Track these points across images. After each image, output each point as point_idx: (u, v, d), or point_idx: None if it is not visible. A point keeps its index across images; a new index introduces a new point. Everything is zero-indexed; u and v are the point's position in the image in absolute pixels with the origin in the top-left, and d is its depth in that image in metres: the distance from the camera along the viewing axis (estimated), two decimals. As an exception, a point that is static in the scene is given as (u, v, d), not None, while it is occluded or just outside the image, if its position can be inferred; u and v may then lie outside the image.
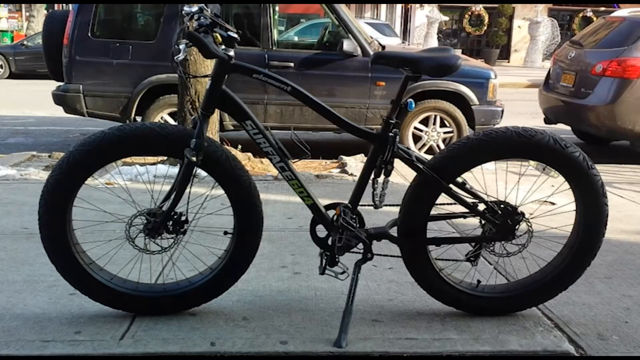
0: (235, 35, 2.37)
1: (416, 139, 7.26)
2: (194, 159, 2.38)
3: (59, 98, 7.15)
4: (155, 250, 2.59)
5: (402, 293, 2.97)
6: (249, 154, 6.28)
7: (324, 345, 2.45)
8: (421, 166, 2.52)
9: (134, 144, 2.43)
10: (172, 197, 2.48)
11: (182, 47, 2.33)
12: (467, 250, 2.73)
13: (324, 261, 2.64)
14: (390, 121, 2.50)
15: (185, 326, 2.59)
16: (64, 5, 27.48)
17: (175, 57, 2.32)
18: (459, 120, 7.12)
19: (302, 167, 6.55)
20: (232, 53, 2.40)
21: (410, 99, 2.50)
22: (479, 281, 2.75)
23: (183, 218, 2.54)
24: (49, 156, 6.78)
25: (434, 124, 7.20)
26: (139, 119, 7.15)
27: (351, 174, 5.92)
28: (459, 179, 2.61)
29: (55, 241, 2.50)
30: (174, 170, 5.83)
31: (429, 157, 2.61)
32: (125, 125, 2.44)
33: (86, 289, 2.61)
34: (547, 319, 2.75)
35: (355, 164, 6.39)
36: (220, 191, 2.60)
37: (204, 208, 2.75)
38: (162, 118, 6.96)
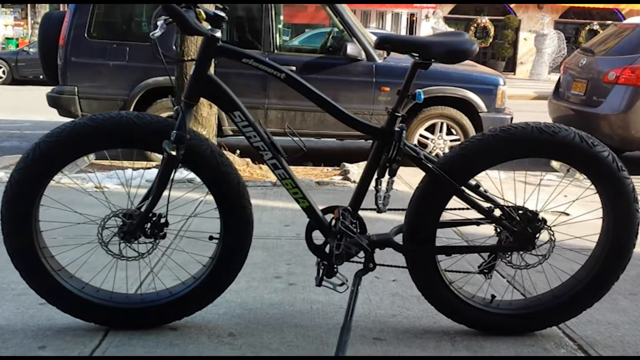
0: (223, 15, 2.10)
1: (422, 146, 6.98)
2: (174, 152, 2.11)
3: (54, 100, 6.91)
4: (131, 256, 2.32)
5: (407, 308, 2.68)
6: (248, 160, 6.02)
7: (318, 367, 2.17)
8: (430, 165, 2.24)
9: (108, 135, 2.16)
10: (151, 196, 2.21)
11: (159, 22, 2.06)
12: (478, 261, 2.45)
13: (321, 271, 2.35)
14: (396, 114, 2.23)
15: (163, 342, 2.31)
16: (68, 5, 27.32)
17: (151, 34, 2.05)
18: (466, 128, 6.85)
19: (303, 173, 6.28)
20: (218, 34, 2.14)
21: (419, 90, 2.23)
22: (493, 296, 2.47)
23: (162, 220, 2.26)
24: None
25: (440, 131, 6.93)
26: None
27: (354, 181, 5.65)
28: (473, 181, 2.34)
29: (19, 243, 2.23)
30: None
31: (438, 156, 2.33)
32: (99, 114, 2.17)
33: (54, 298, 2.33)
34: (569, 339, 2.46)
35: (358, 171, 6.11)
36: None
37: (189, 211, 2.47)
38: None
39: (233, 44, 7.20)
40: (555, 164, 2.30)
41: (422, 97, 2.21)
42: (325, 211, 2.36)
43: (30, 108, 11.58)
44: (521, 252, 2.35)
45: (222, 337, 2.37)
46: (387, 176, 2.26)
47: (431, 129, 6.94)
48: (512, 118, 6.95)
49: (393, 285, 2.92)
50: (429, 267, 2.36)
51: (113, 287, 2.45)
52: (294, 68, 6.68)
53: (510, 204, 2.32)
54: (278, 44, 7.02)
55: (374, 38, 8.15)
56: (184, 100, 2.16)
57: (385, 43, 2.21)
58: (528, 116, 10.87)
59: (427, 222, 2.30)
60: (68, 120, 6.83)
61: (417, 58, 2.19)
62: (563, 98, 7.79)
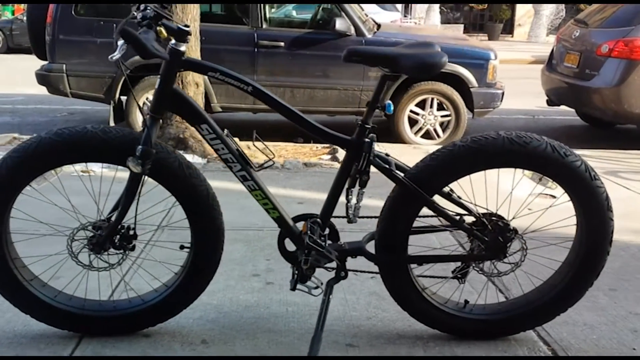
0: (187, 29, 2.05)
1: (412, 122, 6.94)
2: (138, 169, 2.08)
3: (42, 78, 6.86)
4: (101, 267, 2.31)
5: (383, 309, 2.69)
6: (249, 143, 5.96)
7: (288, 378, 2.18)
8: (401, 176, 2.22)
9: (73, 150, 2.13)
10: (119, 209, 2.20)
11: (120, 43, 2.02)
12: (454, 265, 2.45)
13: (295, 275, 2.36)
14: (366, 126, 2.20)
15: (135, 350, 2.32)
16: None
17: (109, 57, 2.01)
18: (457, 104, 6.79)
19: (292, 152, 6.25)
20: (183, 48, 2.09)
21: (389, 101, 2.19)
22: (466, 301, 2.47)
23: (131, 232, 2.25)
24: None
25: (431, 107, 6.87)
26: (123, 99, 6.86)
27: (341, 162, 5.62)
28: (445, 189, 2.33)
29: (-10, 256, 2.23)
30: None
31: (412, 163, 2.30)
32: (65, 129, 2.15)
33: (27, 307, 2.34)
34: (543, 343, 2.46)
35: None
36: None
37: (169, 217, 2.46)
38: (147, 99, 6.64)
39: (220, 18, 7.18)
40: (527, 172, 2.27)
41: (392, 108, 2.17)
42: (297, 219, 2.35)
43: (24, 80, 11.47)
44: (493, 261, 2.34)
45: (195, 344, 2.38)
46: (357, 187, 2.23)
47: (422, 105, 6.88)
48: (503, 93, 6.89)
49: (371, 284, 2.92)
50: (401, 275, 2.36)
51: (86, 295, 2.44)
52: (282, 44, 6.62)
53: (482, 212, 2.31)
54: (268, 18, 6.93)
55: (368, 7, 8.03)
56: (149, 115, 2.13)
57: (354, 56, 2.16)
58: (523, 84, 10.81)
59: (398, 232, 2.28)
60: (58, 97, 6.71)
61: (386, 71, 2.15)
62: (556, 70, 7.71)
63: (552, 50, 8.10)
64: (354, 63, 2.16)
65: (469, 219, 2.31)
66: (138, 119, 6.77)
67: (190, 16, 5.52)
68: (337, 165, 5.46)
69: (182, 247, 2.33)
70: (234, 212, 4.04)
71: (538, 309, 2.43)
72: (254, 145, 2.31)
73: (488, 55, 6.81)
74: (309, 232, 2.24)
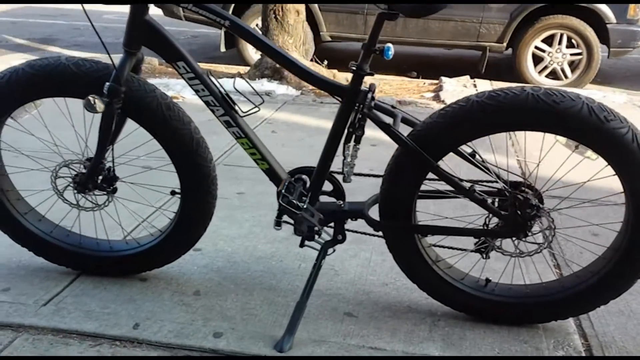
0: None
1: (537, 60, 6.30)
2: (101, 107, 1.91)
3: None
4: (88, 207, 2.22)
5: (404, 276, 2.39)
6: (334, 71, 5.72)
7: (262, 346, 1.98)
8: (401, 135, 1.90)
9: (45, 83, 2.01)
10: (97, 147, 2.06)
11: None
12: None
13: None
14: (361, 72, 1.88)
15: (123, 295, 2.23)
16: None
17: None
18: (589, 41, 6.08)
19: (396, 87, 5.91)
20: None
21: (388, 44, 1.85)
22: (487, 280, 2.13)
23: (111, 174, 2.12)
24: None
25: (560, 43, 6.20)
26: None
27: (442, 101, 5.22)
28: (467, 148, 1.98)
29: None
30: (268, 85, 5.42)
31: (422, 117, 1.96)
32: (38, 60, 2.02)
33: (22, 241, 2.31)
34: (579, 336, 2.09)
35: (453, 88, 5.65)
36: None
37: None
38: (257, 25, 6.50)
39: None
40: (561, 138, 1.86)
41: (391, 53, 1.84)
42: (295, 172, 2.10)
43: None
44: (514, 239, 1.98)
45: (186, 295, 2.25)
46: (352, 142, 1.94)
47: (549, 41, 6.22)
48: (646, 32, 6.05)
49: (405, 244, 2.63)
50: (408, 244, 2.06)
51: (80, 231, 2.37)
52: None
53: (511, 178, 1.94)
54: None
55: None
56: (123, 49, 1.95)
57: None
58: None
59: (401, 198, 1.97)
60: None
61: (383, 8, 1.81)
62: None
63: None
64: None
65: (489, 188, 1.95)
66: (248, 46, 6.68)
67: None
68: (435, 106, 5.07)
69: (172, 193, 2.18)
70: (299, 150, 3.85)
71: (573, 297, 2.05)
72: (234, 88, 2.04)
73: (631, -13, 5.97)
74: (283, 190, 1.99)
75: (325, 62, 5.90)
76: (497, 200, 1.95)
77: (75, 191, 2.16)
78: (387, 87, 5.89)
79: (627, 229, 1.92)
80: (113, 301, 2.20)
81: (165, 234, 2.25)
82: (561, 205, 2.01)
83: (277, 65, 5.57)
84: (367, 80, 1.95)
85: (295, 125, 4.43)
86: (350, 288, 2.34)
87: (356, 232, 2.16)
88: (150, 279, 2.34)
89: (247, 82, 2.15)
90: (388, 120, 1.95)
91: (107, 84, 1.92)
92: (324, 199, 2.11)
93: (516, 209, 1.90)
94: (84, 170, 2.13)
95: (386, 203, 2.01)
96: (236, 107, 2.00)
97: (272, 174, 2.06)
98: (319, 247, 2.11)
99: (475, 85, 5.85)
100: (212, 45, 7.97)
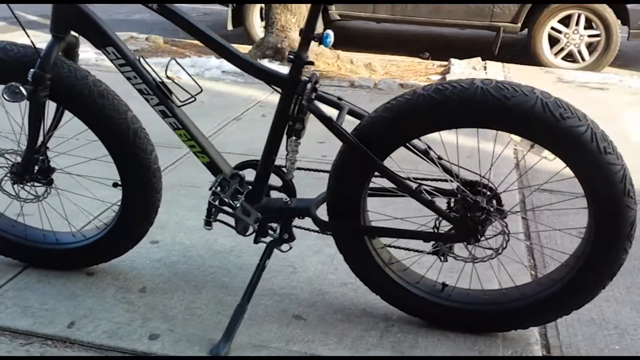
0: None
1: (553, 42, 6.06)
2: (24, 93, 1.81)
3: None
4: (28, 198, 2.13)
5: (365, 275, 2.28)
6: (338, 52, 5.55)
7: (198, 350, 1.88)
8: (343, 130, 1.76)
9: None
10: (28, 137, 1.96)
11: None
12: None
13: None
14: (299, 61, 1.74)
15: (66, 291, 2.14)
16: None
17: None
18: (608, 22, 5.81)
19: (403, 69, 5.73)
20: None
21: (328, 31, 1.71)
22: (444, 284, 2.00)
23: (46, 165, 2.03)
24: (146, 39, 6.53)
25: (577, 24, 5.94)
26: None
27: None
28: (421, 144, 1.84)
29: None
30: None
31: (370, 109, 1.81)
32: None
33: (-31, 233, 2.24)
34: (541, 347, 1.95)
35: (462, 70, 5.46)
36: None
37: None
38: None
39: None
40: (515, 136, 1.70)
41: (330, 41, 1.70)
42: (241, 167, 1.98)
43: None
44: (465, 244, 1.84)
45: (131, 291, 2.15)
46: (293, 137, 1.81)
47: (566, 21, 5.97)
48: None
49: (373, 240, 2.50)
50: (357, 245, 1.93)
51: (24, 221, 2.28)
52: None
53: (455, 181, 1.79)
54: None
55: None
56: (51, 34, 1.84)
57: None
58: None
59: (348, 197, 1.84)
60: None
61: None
62: None
63: None
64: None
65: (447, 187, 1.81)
66: (255, 24, 6.54)
67: None
68: (439, 88, 4.89)
69: (115, 185, 2.07)
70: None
71: (534, 306, 1.90)
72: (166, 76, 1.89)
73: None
74: (215, 187, 1.87)
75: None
76: (451, 201, 1.81)
77: (12, 182, 2.07)
78: (394, 68, 5.71)
79: (590, 235, 1.77)
80: (54, 296, 2.11)
81: (110, 227, 2.15)
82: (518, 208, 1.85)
83: (279, 45, 5.44)
84: (313, 68, 1.81)
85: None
86: (306, 287, 2.22)
87: (304, 229, 2.03)
88: (98, 274, 2.25)
89: (182, 67, 2.01)
90: (333, 113, 1.81)
91: (31, 70, 1.81)
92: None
93: (466, 211, 1.75)
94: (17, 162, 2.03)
95: (332, 201, 1.88)
96: (172, 97, 1.87)
97: (213, 167, 1.94)
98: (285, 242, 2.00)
99: (485, 68, 5.64)
100: (222, 23, 7.85)
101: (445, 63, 5.82)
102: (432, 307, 1.98)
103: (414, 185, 1.76)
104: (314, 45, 5.35)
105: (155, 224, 2.19)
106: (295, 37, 5.42)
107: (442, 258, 1.95)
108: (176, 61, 1.83)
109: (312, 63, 1.75)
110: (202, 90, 1.88)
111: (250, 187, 1.94)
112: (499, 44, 6.12)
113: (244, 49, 6.14)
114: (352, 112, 1.84)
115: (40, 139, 1.97)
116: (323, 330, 1.99)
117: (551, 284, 1.88)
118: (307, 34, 1.71)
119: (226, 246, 2.45)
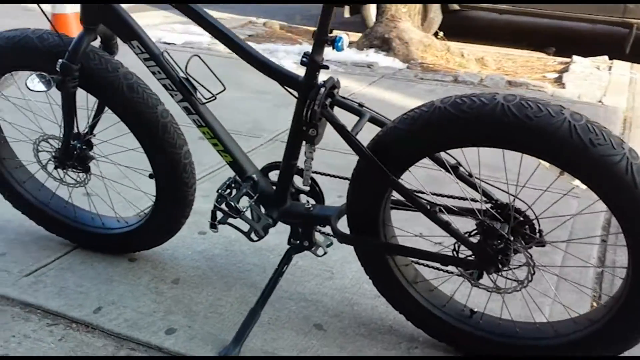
0: None
1: None
2: (52, 85, 1.85)
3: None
4: (70, 182, 2.20)
5: (403, 289, 2.16)
6: (449, 44, 5.34)
7: (209, 349, 1.86)
8: (358, 142, 1.65)
9: (14, 56, 1.98)
10: (64, 125, 2.02)
11: None
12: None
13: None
14: (313, 64, 1.65)
15: (105, 274, 2.20)
16: None
17: None
18: None
19: (520, 63, 5.43)
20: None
21: (341, 34, 1.60)
22: (472, 311, 1.85)
23: (83, 154, 2.07)
24: (264, 24, 6.61)
25: None
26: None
27: (562, 84, 4.71)
28: (449, 158, 1.70)
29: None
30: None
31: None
32: (6, 33, 1.99)
33: (19, 207, 2.35)
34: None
35: (582, 69, 5.09)
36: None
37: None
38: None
39: None
40: (544, 162, 1.53)
41: (342, 44, 1.59)
42: (268, 169, 1.93)
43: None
44: (486, 272, 1.68)
45: (165, 282, 2.17)
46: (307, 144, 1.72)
47: None
48: None
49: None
50: (378, 261, 1.83)
51: (72, 203, 2.35)
52: None
53: (485, 203, 1.64)
54: None
55: None
56: (84, 26, 1.86)
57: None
58: None
59: (365, 210, 1.74)
60: None
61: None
62: None
63: None
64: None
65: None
66: (372, 12, 6.44)
67: None
68: (550, 90, 4.58)
69: (151, 176, 2.08)
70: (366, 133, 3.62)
71: (567, 345, 1.72)
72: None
73: None
74: (222, 190, 1.81)
75: (441, 34, 5.53)
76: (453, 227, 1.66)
77: (54, 166, 2.14)
78: (509, 63, 5.41)
79: (629, 273, 1.56)
80: (91, 279, 2.17)
81: (147, 217, 2.18)
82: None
83: (387, 36, 5.31)
84: (327, 74, 1.73)
85: (381, 103, 4.17)
86: (337, 296, 2.14)
87: (327, 234, 1.95)
88: (139, 260, 2.29)
89: (206, 64, 1.96)
90: (349, 120, 1.71)
91: (60, 61, 1.85)
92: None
93: (484, 237, 1.60)
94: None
95: (350, 214, 1.78)
96: (197, 94, 1.84)
97: (237, 168, 1.90)
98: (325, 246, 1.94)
99: (610, 68, 5.21)
100: (340, 11, 7.82)
101: (567, 60, 5.45)
102: (457, 333, 1.84)
103: (428, 205, 1.63)
104: (423, 36, 5.21)
105: (208, 215, 2.20)
106: (404, 27, 5.27)
107: (473, 282, 1.80)
108: (200, 58, 1.79)
109: (327, 67, 1.66)
110: (225, 89, 1.84)
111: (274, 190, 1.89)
112: (631, 42, 5.63)
113: (356, 37, 6.08)
114: (374, 120, 1.73)
115: (75, 127, 2.02)
116: (340, 344, 1.91)
117: (587, 325, 1.69)
118: (320, 36, 1.61)
119: (270, 243, 2.41)
